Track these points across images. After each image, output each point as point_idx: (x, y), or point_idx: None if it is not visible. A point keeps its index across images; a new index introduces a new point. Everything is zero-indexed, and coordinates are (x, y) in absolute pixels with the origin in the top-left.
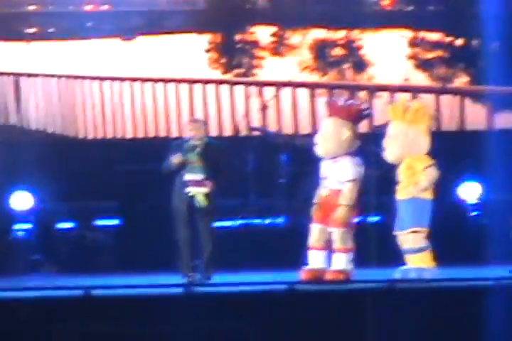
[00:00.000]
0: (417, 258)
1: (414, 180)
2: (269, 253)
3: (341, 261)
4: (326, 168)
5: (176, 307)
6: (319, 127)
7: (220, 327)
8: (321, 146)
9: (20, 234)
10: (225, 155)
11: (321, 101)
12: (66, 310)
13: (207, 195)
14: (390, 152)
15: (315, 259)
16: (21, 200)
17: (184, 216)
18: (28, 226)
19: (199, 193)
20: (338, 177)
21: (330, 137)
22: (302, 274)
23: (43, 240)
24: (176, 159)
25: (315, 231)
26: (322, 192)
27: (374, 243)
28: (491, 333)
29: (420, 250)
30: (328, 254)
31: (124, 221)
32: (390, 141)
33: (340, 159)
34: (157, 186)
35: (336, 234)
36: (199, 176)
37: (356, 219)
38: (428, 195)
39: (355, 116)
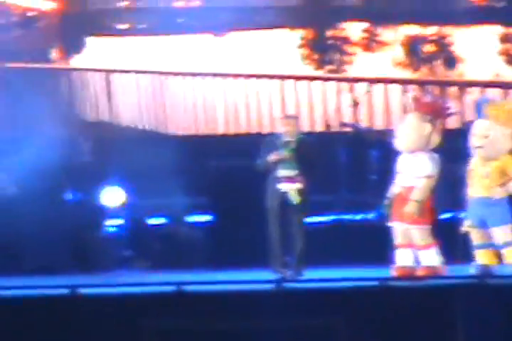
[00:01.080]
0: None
1: (505, 181)
2: (360, 249)
3: (427, 257)
4: (403, 163)
5: (268, 303)
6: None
7: (311, 323)
8: (401, 140)
9: (111, 229)
10: (317, 151)
11: (409, 96)
12: (158, 306)
13: (300, 191)
14: (483, 151)
15: (403, 257)
16: (113, 196)
17: (276, 212)
18: (119, 221)
19: (292, 189)
20: (414, 172)
21: (411, 131)
22: (393, 271)
23: (134, 236)
24: (273, 156)
25: (397, 230)
26: (395, 188)
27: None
28: None
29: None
30: (415, 251)
31: (216, 217)
32: (485, 140)
33: (418, 154)
34: (250, 182)
35: (414, 231)
36: (292, 172)
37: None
38: None
39: (439, 112)
